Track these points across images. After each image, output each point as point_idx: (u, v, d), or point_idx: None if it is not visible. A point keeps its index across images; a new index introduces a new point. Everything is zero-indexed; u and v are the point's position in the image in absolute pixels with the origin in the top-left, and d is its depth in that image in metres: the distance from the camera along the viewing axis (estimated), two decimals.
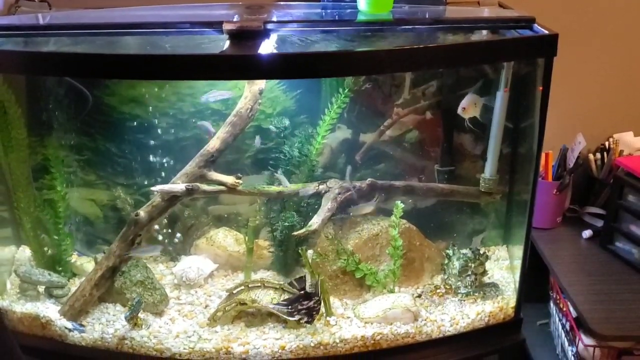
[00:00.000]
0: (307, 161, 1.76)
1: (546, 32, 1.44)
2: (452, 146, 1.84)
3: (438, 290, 1.77)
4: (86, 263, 1.84)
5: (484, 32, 1.56)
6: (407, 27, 1.53)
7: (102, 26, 1.51)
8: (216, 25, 1.42)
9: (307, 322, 1.62)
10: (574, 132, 1.95)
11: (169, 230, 1.88)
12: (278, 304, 1.65)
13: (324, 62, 1.34)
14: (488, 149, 1.72)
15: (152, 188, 1.63)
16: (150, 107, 1.77)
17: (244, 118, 1.66)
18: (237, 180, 1.66)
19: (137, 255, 1.69)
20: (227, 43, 1.38)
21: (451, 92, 1.78)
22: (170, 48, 1.51)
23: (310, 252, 1.78)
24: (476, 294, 1.73)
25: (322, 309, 1.66)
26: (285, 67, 1.34)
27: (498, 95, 1.65)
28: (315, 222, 1.66)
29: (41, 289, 1.74)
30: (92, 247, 1.89)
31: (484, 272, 1.76)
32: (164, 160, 1.80)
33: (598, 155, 2.02)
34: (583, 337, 1.62)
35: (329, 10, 1.69)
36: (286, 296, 1.70)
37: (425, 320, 1.66)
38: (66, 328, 1.63)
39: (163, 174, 1.79)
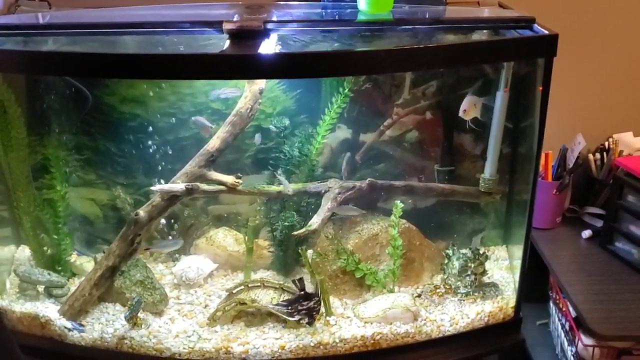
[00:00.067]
0: (307, 161, 1.76)
1: (546, 32, 1.44)
2: (452, 146, 1.84)
3: (438, 290, 1.77)
4: (86, 263, 1.84)
5: (484, 32, 1.56)
6: (407, 27, 1.53)
7: (102, 26, 1.51)
8: (216, 24, 1.42)
9: (307, 322, 1.62)
10: (574, 132, 1.95)
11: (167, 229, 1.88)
12: (278, 304, 1.65)
13: (324, 61, 1.34)
14: (488, 149, 1.72)
15: (152, 187, 1.64)
16: (150, 107, 1.77)
17: (244, 118, 1.66)
18: (237, 180, 1.66)
19: (158, 250, 1.69)
20: (227, 43, 1.38)
21: (451, 92, 1.78)
22: (170, 48, 1.51)
23: (310, 251, 1.78)
24: (476, 294, 1.74)
25: (322, 309, 1.66)
26: (285, 66, 1.34)
27: (498, 96, 1.64)
28: (315, 221, 1.66)
29: (41, 288, 1.73)
30: (91, 247, 1.89)
31: (484, 272, 1.76)
32: (164, 160, 1.80)
33: (598, 155, 2.03)
34: (582, 337, 1.62)
35: (329, 10, 1.69)
36: (286, 296, 1.70)
37: (425, 320, 1.66)
38: (66, 328, 1.62)
39: (163, 173, 1.78)
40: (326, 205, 1.69)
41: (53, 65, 1.39)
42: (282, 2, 1.81)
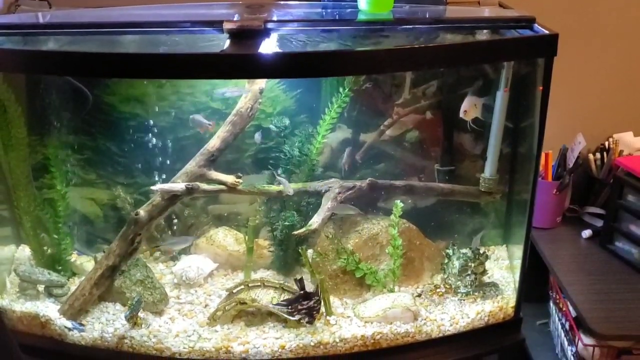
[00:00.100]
0: (307, 160, 1.76)
1: (546, 32, 1.44)
2: (452, 146, 1.84)
3: (438, 290, 1.77)
4: (86, 262, 1.84)
5: (485, 31, 1.56)
6: (407, 26, 1.52)
7: (102, 25, 1.51)
8: (217, 24, 1.42)
9: (307, 322, 1.62)
10: (574, 132, 1.95)
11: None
12: (278, 303, 1.65)
13: (324, 61, 1.34)
14: (488, 148, 1.72)
15: (152, 187, 1.64)
16: (150, 106, 1.77)
17: (244, 117, 1.66)
18: (237, 180, 1.66)
19: (168, 247, 1.70)
20: (228, 42, 1.38)
21: (451, 92, 1.79)
22: (171, 47, 1.51)
23: (310, 251, 1.78)
24: (476, 294, 1.74)
25: (322, 309, 1.66)
26: (285, 66, 1.34)
27: (498, 95, 1.65)
28: (315, 221, 1.66)
29: (41, 288, 1.73)
30: (92, 247, 1.89)
31: (484, 272, 1.76)
32: (164, 159, 1.80)
33: (598, 155, 2.03)
34: (582, 336, 1.62)
35: (329, 10, 1.69)
36: (286, 296, 1.70)
37: (425, 319, 1.66)
38: (66, 327, 1.62)
39: (163, 173, 1.78)
40: (326, 204, 1.69)
41: (53, 65, 1.39)
42: (282, 2, 1.81)
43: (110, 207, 1.87)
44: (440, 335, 1.66)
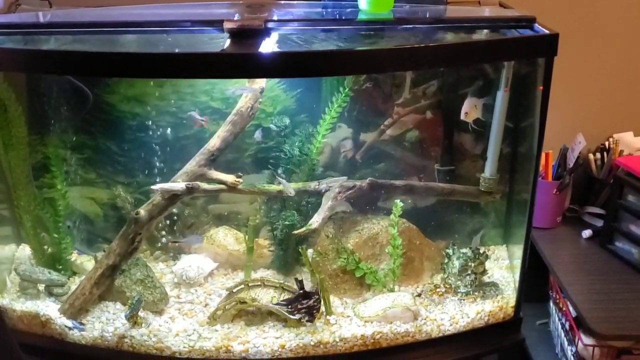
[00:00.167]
0: (307, 160, 1.76)
1: (547, 31, 1.44)
2: (452, 145, 1.84)
3: (438, 290, 1.77)
4: (86, 261, 1.84)
5: (485, 31, 1.56)
6: (407, 26, 1.53)
7: (103, 24, 1.51)
8: (217, 23, 1.42)
9: (308, 320, 1.62)
10: (574, 132, 1.95)
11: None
12: (278, 303, 1.65)
13: (324, 61, 1.34)
14: (488, 148, 1.72)
15: (153, 186, 1.64)
16: (151, 106, 1.77)
17: (245, 117, 1.66)
18: (238, 179, 1.66)
19: (184, 244, 1.71)
20: (228, 42, 1.38)
21: (451, 92, 1.79)
22: (171, 46, 1.51)
23: (310, 251, 1.78)
24: (476, 294, 1.74)
25: (322, 308, 1.66)
26: (285, 65, 1.34)
27: (498, 95, 1.65)
28: (315, 220, 1.66)
29: (41, 287, 1.73)
30: (92, 246, 1.89)
31: (484, 272, 1.76)
32: (165, 159, 1.80)
33: (598, 155, 2.03)
34: (582, 336, 1.62)
35: (329, 9, 1.69)
36: (286, 295, 1.70)
37: (425, 319, 1.66)
38: (66, 326, 1.63)
39: (163, 172, 1.78)
40: (326, 204, 1.69)
41: (54, 64, 1.39)
42: (282, 2, 1.81)
43: (111, 206, 1.87)
44: (440, 335, 1.66)
